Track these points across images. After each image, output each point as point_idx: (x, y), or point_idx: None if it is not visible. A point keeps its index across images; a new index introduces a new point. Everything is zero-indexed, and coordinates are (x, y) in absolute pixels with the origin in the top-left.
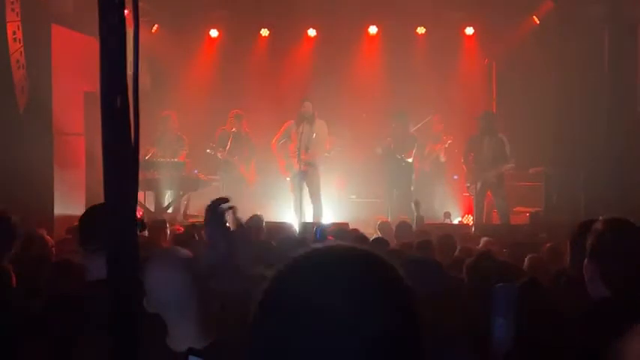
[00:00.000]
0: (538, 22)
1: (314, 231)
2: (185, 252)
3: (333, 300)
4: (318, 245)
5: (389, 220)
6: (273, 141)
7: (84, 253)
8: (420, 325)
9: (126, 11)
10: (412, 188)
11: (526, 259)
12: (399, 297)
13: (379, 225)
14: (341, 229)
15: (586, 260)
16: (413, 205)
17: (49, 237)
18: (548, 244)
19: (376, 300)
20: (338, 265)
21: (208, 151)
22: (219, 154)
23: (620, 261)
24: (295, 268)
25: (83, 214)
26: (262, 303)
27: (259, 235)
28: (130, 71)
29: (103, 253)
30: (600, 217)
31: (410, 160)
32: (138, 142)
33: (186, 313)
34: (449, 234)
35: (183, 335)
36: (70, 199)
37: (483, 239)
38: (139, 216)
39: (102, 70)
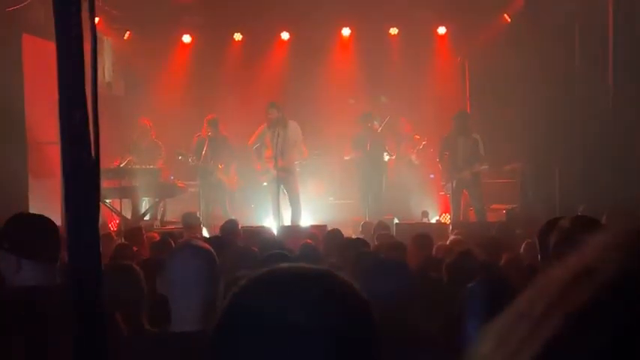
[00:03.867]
0: (509, 20)
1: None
2: (204, 244)
3: (289, 314)
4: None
5: (367, 220)
6: (249, 143)
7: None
8: (376, 335)
9: (97, 19)
10: (384, 189)
11: (503, 257)
12: (355, 309)
13: (362, 225)
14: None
15: (552, 259)
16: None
17: None
18: (526, 241)
19: (334, 312)
20: (295, 282)
21: (179, 157)
22: (190, 160)
23: None
24: (253, 287)
25: (11, 221)
26: (220, 322)
27: (236, 240)
28: (99, 79)
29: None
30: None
31: (387, 157)
32: (99, 156)
33: (193, 295)
34: (424, 233)
35: (185, 316)
36: (46, 209)
37: (451, 237)
38: (115, 224)
39: (60, 82)
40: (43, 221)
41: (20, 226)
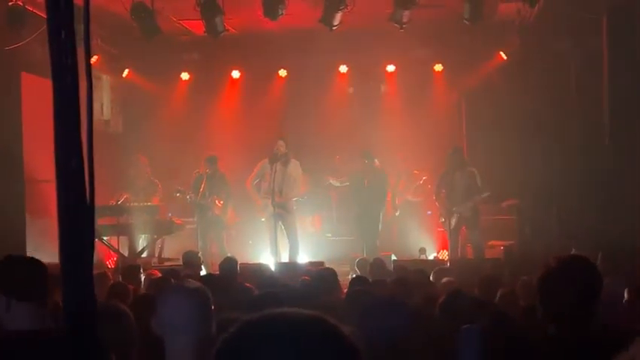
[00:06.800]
0: (505, 57)
1: None
2: (197, 284)
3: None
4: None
5: (365, 256)
6: (248, 180)
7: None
8: None
9: (95, 57)
10: (381, 225)
11: (498, 294)
12: (344, 354)
13: (357, 262)
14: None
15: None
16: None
17: None
18: (521, 279)
19: (322, 358)
20: (284, 328)
21: (177, 194)
22: (187, 197)
23: (563, 299)
24: (243, 333)
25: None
26: None
27: (235, 279)
28: (97, 117)
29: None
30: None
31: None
32: (93, 201)
33: (187, 336)
34: (421, 269)
35: (180, 357)
36: (43, 247)
37: (444, 280)
38: (113, 261)
39: (55, 128)
40: (33, 263)
41: (10, 268)
